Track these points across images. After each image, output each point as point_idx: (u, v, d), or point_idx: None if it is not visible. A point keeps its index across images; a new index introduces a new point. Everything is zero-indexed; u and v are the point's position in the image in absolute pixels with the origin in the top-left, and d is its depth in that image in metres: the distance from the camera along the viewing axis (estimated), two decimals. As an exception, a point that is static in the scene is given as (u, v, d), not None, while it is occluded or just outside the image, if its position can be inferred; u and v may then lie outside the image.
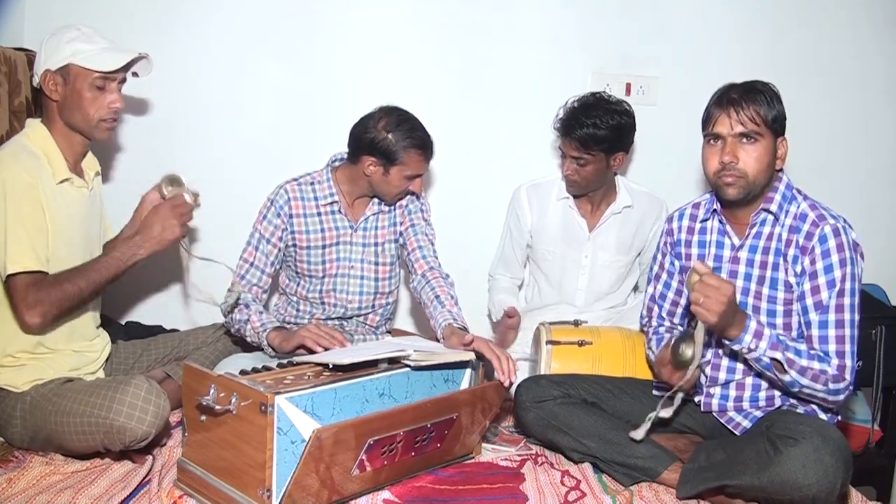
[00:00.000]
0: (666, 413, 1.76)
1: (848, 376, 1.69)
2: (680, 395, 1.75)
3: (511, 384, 1.81)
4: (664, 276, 2.03)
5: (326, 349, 1.84)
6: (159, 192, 1.95)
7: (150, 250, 1.84)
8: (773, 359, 1.69)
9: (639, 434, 1.79)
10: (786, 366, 1.68)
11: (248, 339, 2.01)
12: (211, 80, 2.50)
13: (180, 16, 2.45)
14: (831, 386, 1.69)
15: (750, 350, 1.69)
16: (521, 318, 2.34)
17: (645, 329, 2.09)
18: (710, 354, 1.84)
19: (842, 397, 1.72)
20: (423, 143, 2.04)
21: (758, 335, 1.68)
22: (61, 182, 1.80)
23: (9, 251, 1.67)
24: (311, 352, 1.84)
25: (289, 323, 2.18)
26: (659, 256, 2.04)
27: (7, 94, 2.04)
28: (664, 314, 2.03)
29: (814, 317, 1.73)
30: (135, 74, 1.91)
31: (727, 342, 1.72)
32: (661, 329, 2.03)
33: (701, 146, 1.84)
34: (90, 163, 1.95)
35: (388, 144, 2.01)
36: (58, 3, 2.35)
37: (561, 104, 2.32)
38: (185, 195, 1.91)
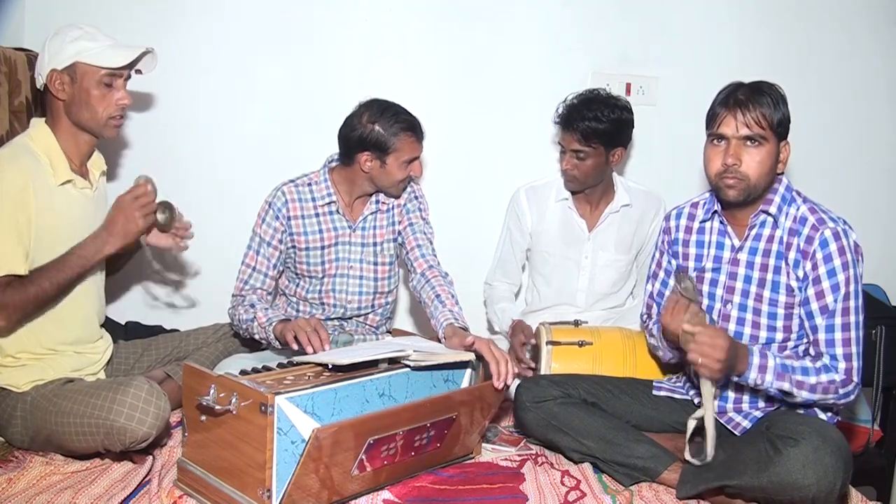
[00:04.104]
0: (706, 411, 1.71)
1: (855, 377, 1.71)
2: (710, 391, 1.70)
3: (505, 387, 1.80)
4: (661, 274, 2.03)
5: (305, 349, 1.82)
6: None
7: (116, 245, 1.79)
8: (780, 390, 1.70)
9: (709, 454, 1.70)
10: (795, 391, 1.69)
11: (257, 337, 2.02)
12: (210, 80, 2.50)
13: (180, 15, 2.45)
14: (841, 391, 1.71)
15: (756, 384, 1.71)
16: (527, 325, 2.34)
17: (645, 324, 2.09)
18: (716, 404, 1.85)
19: (852, 398, 1.73)
20: (410, 125, 2.05)
21: (762, 369, 1.69)
22: (63, 184, 1.80)
23: None
24: (302, 348, 1.83)
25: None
26: (657, 255, 2.05)
27: (7, 94, 2.04)
28: (662, 308, 2.03)
29: (819, 321, 1.73)
30: (138, 72, 1.91)
31: (735, 378, 1.73)
32: None
33: (701, 146, 1.83)
34: (96, 162, 1.94)
35: (378, 135, 2.02)
36: (58, 3, 2.35)
37: (560, 101, 2.32)
38: (144, 184, 1.84)
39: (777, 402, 1.79)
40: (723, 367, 1.63)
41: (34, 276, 1.72)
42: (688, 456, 1.73)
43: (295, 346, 1.82)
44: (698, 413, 1.73)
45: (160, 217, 1.90)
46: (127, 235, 1.81)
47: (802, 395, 1.70)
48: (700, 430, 1.72)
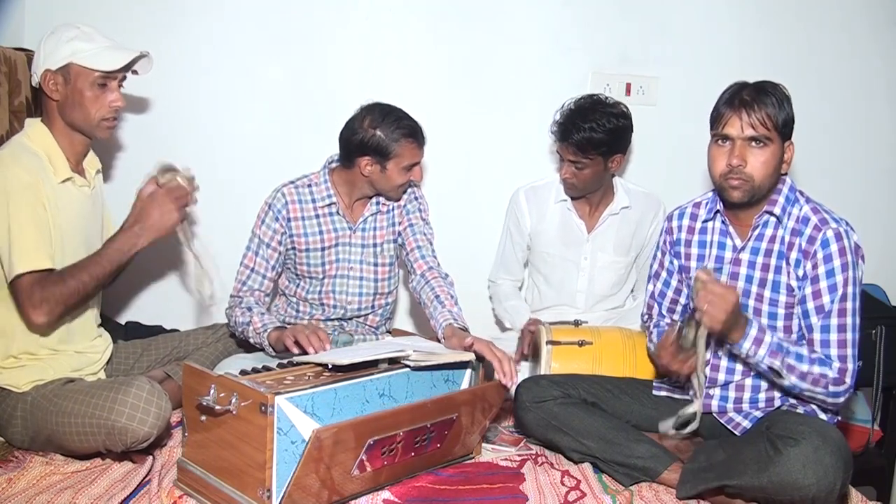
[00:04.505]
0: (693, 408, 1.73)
1: (848, 380, 1.70)
2: (698, 384, 1.72)
3: (513, 385, 1.80)
4: (663, 274, 2.03)
5: (306, 349, 1.82)
6: (155, 182, 1.86)
7: (150, 238, 1.81)
8: (770, 366, 1.70)
9: (667, 426, 1.75)
10: (784, 372, 1.69)
11: (252, 341, 2.02)
12: (210, 79, 2.50)
13: (180, 16, 2.45)
14: (831, 389, 1.70)
15: (748, 356, 1.71)
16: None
17: (646, 324, 2.09)
18: (708, 355, 1.84)
19: (841, 399, 1.72)
20: (412, 131, 2.05)
21: (757, 342, 1.69)
22: (63, 181, 1.80)
23: (14, 251, 1.67)
24: (303, 350, 1.84)
25: (289, 324, 2.18)
26: (658, 255, 2.05)
27: (7, 94, 2.04)
28: (664, 311, 2.04)
29: (815, 321, 1.73)
30: (134, 72, 1.91)
31: (728, 345, 1.73)
32: (663, 323, 2.03)
33: (704, 146, 1.82)
34: (91, 161, 1.95)
35: (379, 140, 2.01)
36: (58, 3, 2.35)
37: (559, 106, 2.31)
38: (179, 180, 1.85)
39: (775, 387, 1.78)
40: (726, 320, 1.63)
41: (73, 271, 1.73)
42: (669, 430, 1.75)
43: (296, 350, 1.82)
44: (690, 409, 1.74)
45: (165, 177, 1.86)
46: (162, 229, 1.81)
47: (791, 379, 1.69)
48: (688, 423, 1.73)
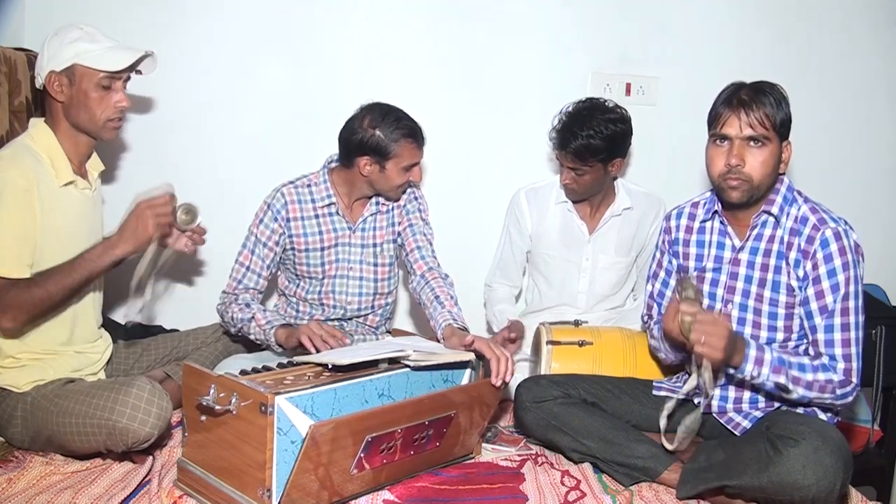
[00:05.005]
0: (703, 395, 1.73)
1: (854, 379, 1.71)
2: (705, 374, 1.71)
3: (503, 385, 1.79)
4: (662, 274, 2.03)
5: (319, 348, 1.83)
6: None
7: (125, 250, 1.75)
8: (775, 383, 1.70)
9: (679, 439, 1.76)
10: (791, 386, 1.69)
11: (253, 337, 2.01)
12: (211, 80, 2.50)
13: (180, 16, 2.45)
14: (839, 392, 1.70)
15: (753, 377, 1.70)
16: (523, 325, 2.33)
17: (646, 324, 2.09)
18: (718, 389, 1.85)
19: (850, 399, 1.73)
20: (411, 132, 2.04)
21: (759, 361, 1.69)
22: (65, 185, 1.80)
23: None
24: (310, 349, 1.85)
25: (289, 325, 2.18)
26: (657, 255, 2.05)
27: (7, 94, 2.04)
28: (663, 311, 2.03)
29: (819, 321, 1.73)
30: (139, 72, 1.91)
31: (731, 371, 1.73)
32: None
33: (703, 146, 1.83)
34: (94, 163, 1.94)
35: (378, 140, 2.01)
36: (58, 3, 2.35)
37: (557, 111, 2.30)
38: (164, 194, 1.80)
39: (776, 399, 1.79)
40: (726, 347, 1.63)
41: (41, 279, 1.71)
42: (667, 444, 1.76)
43: (313, 350, 1.83)
44: (669, 405, 1.77)
45: (183, 217, 1.86)
46: (137, 242, 1.76)
47: (799, 391, 1.69)
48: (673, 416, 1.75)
